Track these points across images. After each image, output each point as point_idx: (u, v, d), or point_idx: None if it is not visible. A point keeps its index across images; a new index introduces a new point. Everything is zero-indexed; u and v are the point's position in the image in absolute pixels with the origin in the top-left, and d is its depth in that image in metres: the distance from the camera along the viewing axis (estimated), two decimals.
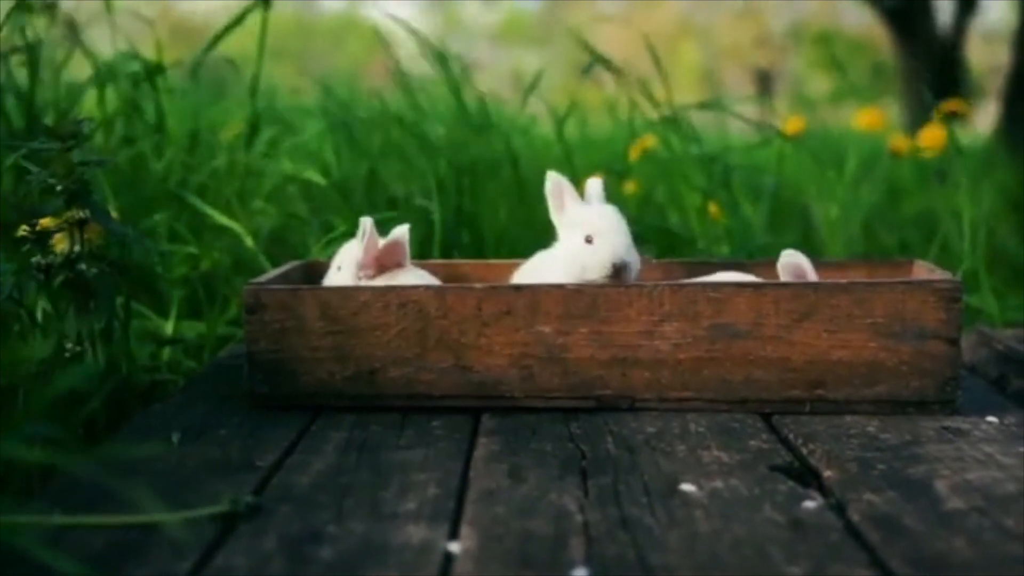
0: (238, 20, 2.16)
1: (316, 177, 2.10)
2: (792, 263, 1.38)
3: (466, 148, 2.14)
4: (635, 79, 2.28)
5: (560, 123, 2.48)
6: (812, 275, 1.37)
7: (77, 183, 1.30)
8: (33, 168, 1.36)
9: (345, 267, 1.46)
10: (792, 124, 2.79)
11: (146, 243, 1.51)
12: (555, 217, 1.42)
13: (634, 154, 2.55)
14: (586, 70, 2.34)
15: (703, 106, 2.57)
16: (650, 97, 2.28)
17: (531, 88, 2.39)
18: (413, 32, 2.21)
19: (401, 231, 1.45)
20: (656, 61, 2.27)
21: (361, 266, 1.43)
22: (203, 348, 1.77)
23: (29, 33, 1.92)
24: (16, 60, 1.92)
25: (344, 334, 1.32)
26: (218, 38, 2.14)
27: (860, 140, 2.98)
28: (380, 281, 1.42)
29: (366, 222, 1.42)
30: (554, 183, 1.41)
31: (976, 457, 1.11)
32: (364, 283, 1.42)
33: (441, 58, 2.19)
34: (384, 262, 1.44)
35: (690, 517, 0.94)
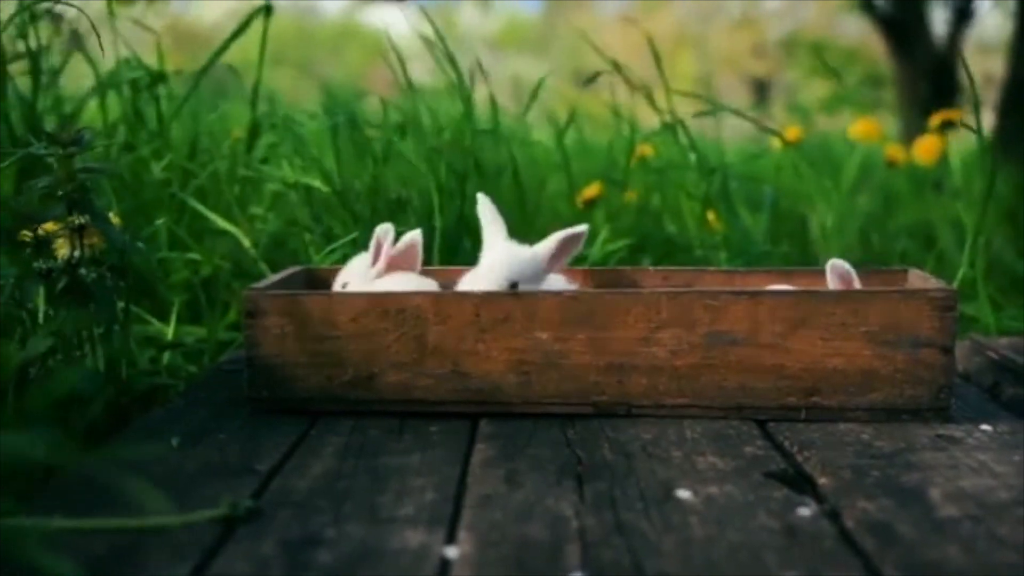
0: (241, 29, 2.17)
1: (316, 183, 2.11)
2: (840, 269, 1.40)
3: (468, 154, 2.14)
4: (635, 86, 2.29)
5: (560, 133, 2.49)
6: (856, 282, 1.39)
7: (79, 189, 1.31)
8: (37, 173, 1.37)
9: (353, 283, 1.47)
10: (789, 133, 2.81)
11: (146, 249, 1.52)
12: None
13: (633, 162, 2.56)
14: (590, 80, 2.35)
15: (702, 113, 2.59)
16: (651, 103, 2.29)
17: (534, 96, 2.40)
18: (424, 37, 2.22)
19: (414, 235, 1.47)
20: (658, 67, 2.28)
21: (378, 273, 1.44)
22: (203, 353, 1.77)
23: (32, 40, 1.94)
24: (18, 67, 1.93)
25: (342, 339, 1.33)
26: (221, 50, 2.15)
27: (856, 150, 3.00)
28: (380, 284, 1.44)
29: (386, 230, 1.46)
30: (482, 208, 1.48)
31: (970, 465, 1.12)
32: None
33: (452, 63, 2.19)
34: (397, 264, 1.46)
35: (685, 523, 0.95)
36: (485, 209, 1.48)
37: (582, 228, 1.43)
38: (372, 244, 1.46)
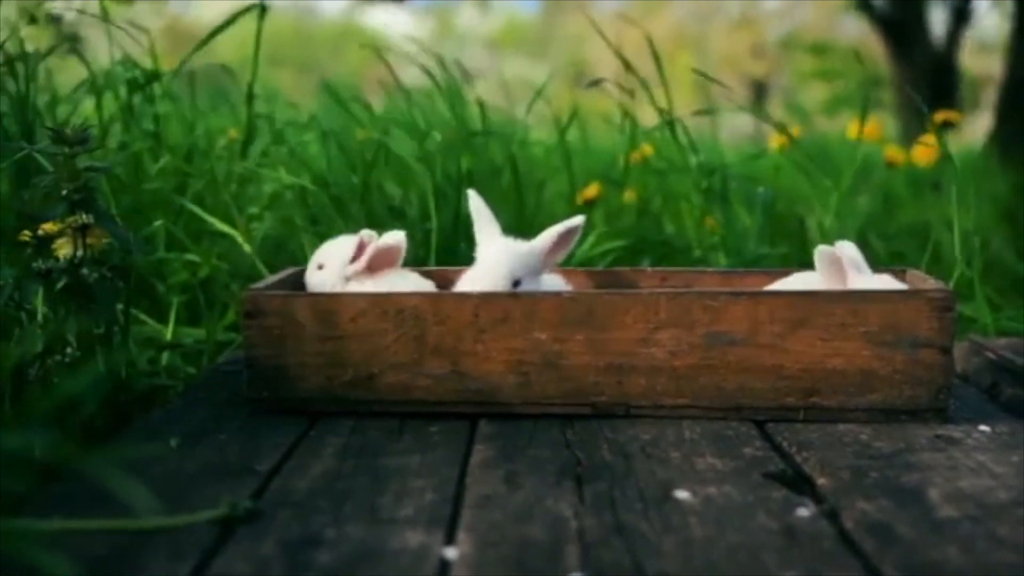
0: (229, 22, 2.16)
1: (311, 184, 2.11)
2: (830, 256, 1.38)
3: (464, 156, 2.15)
4: (629, 91, 2.29)
5: (561, 132, 2.49)
6: (850, 277, 1.36)
7: (81, 189, 1.31)
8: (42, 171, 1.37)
9: (330, 266, 1.47)
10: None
11: (147, 249, 1.52)
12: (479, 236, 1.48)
13: (632, 161, 2.56)
14: (591, 85, 2.35)
15: (701, 112, 2.59)
16: (652, 103, 2.29)
17: (537, 96, 2.40)
18: (410, 42, 2.23)
19: (398, 237, 1.47)
20: (658, 66, 2.28)
21: (355, 271, 1.45)
22: (202, 354, 1.77)
23: (28, 43, 1.93)
24: (14, 68, 1.93)
25: (342, 340, 1.33)
26: (208, 39, 2.15)
27: (855, 150, 3.00)
28: (371, 283, 1.44)
29: (371, 235, 1.46)
30: (472, 205, 1.49)
31: (969, 465, 1.12)
32: (354, 285, 1.44)
33: (440, 66, 2.20)
34: (376, 265, 1.46)
35: (684, 524, 0.95)
36: (477, 206, 1.48)
37: (579, 220, 1.44)
38: (356, 242, 1.46)
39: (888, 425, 1.28)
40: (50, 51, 2.03)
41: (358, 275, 1.45)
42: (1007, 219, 2.79)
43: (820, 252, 1.38)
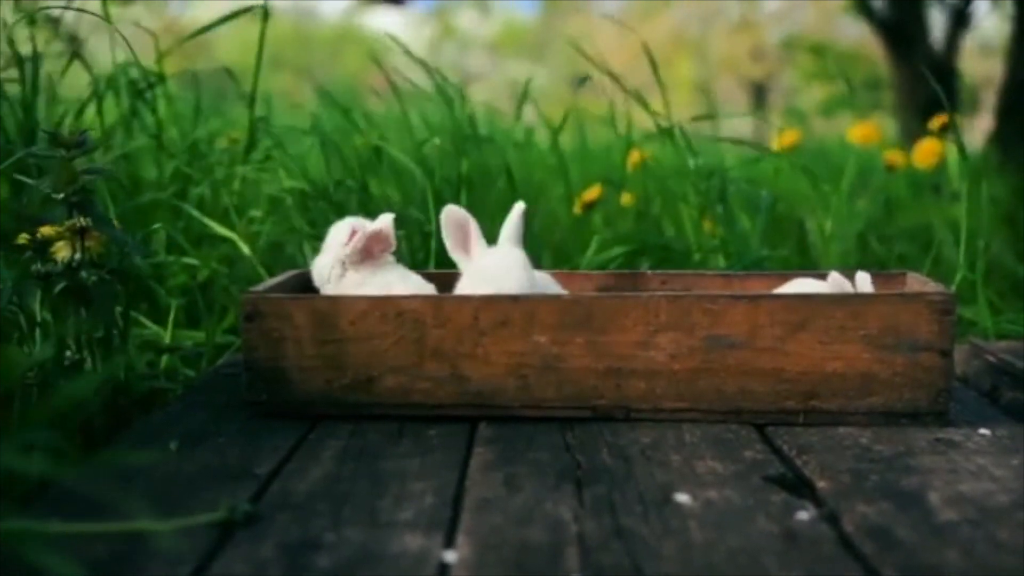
0: (229, 17, 2.16)
1: (309, 188, 2.11)
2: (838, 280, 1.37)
3: (462, 160, 2.15)
4: (632, 90, 2.29)
5: (555, 134, 2.49)
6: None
7: (79, 192, 1.31)
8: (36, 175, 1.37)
9: (329, 250, 1.47)
10: (788, 137, 2.81)
11: (145, 251, 1.52)
12: (454, 254, 1.45)
13: (631, 165, 2.57)
14: (581, 83, 2.36)
15: (700, 118, 2.59)
16: (647, 109, 2.29)
17: (523, 98, 2.40)
18: (405, 50, 2.23)
19: (385, 220, 1.46)
20: (655, 72, 2.28)
21: (346, 254, 1.45)
22: (201, 356, 1.77)
23: (29, 44, 1.94)
24: (14, 71, 1.93)
25: (341, 343, 1.33)
26: (204, 29, 2.14)
27: (855, 153, 3.00)
28: (372, 280, 1.43)
29: (362, 223, 1.46)
30: (450, 219, 1.43)
31: (969, 469, 1.12)
32: (355, 278, 1.44)
33: (434, 74, 2.20)
34: (371, 248, 1.45)
35: (684, 527, 0.95)
36: (465, 219, 1.44)
37: (519, 206, 1.45)
38: (349, 230, 1.46)
39: (888, 428, 1.28)
40: (67, 67, 2.03)
41: (355, 264, 1.45)
42: (1007, 222, 2.79)
43: (832, 278, 1.37)
